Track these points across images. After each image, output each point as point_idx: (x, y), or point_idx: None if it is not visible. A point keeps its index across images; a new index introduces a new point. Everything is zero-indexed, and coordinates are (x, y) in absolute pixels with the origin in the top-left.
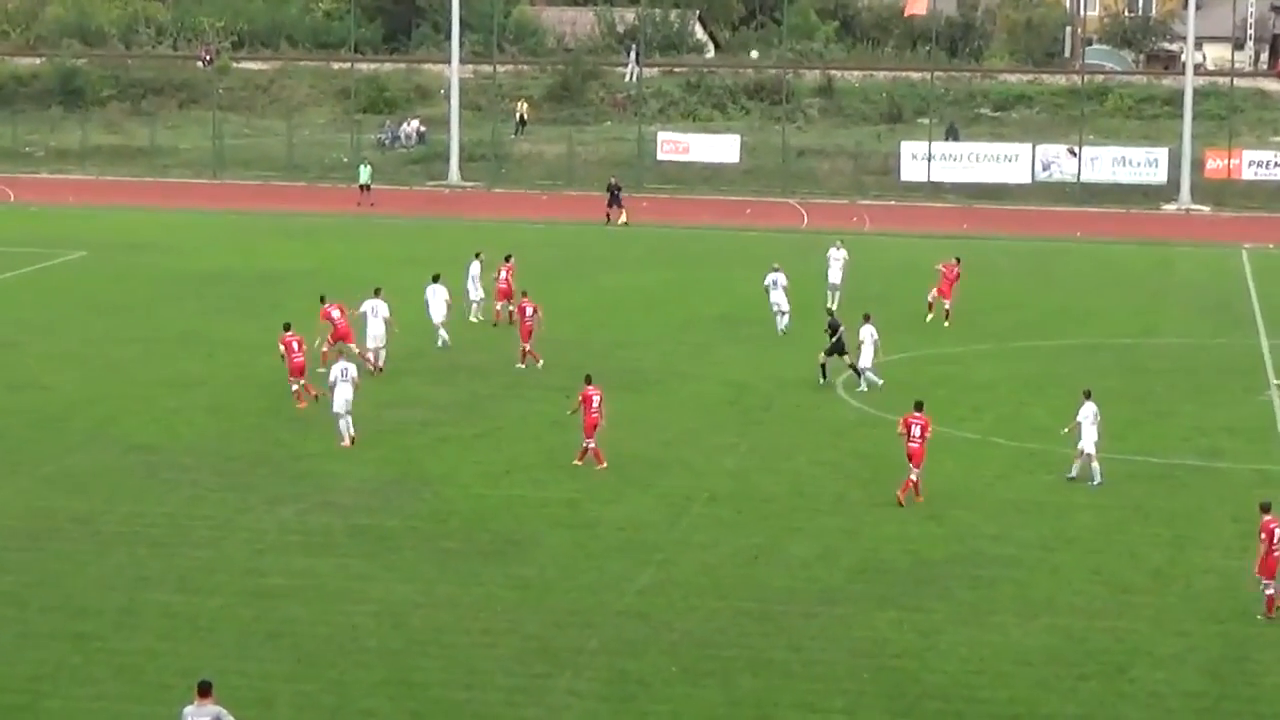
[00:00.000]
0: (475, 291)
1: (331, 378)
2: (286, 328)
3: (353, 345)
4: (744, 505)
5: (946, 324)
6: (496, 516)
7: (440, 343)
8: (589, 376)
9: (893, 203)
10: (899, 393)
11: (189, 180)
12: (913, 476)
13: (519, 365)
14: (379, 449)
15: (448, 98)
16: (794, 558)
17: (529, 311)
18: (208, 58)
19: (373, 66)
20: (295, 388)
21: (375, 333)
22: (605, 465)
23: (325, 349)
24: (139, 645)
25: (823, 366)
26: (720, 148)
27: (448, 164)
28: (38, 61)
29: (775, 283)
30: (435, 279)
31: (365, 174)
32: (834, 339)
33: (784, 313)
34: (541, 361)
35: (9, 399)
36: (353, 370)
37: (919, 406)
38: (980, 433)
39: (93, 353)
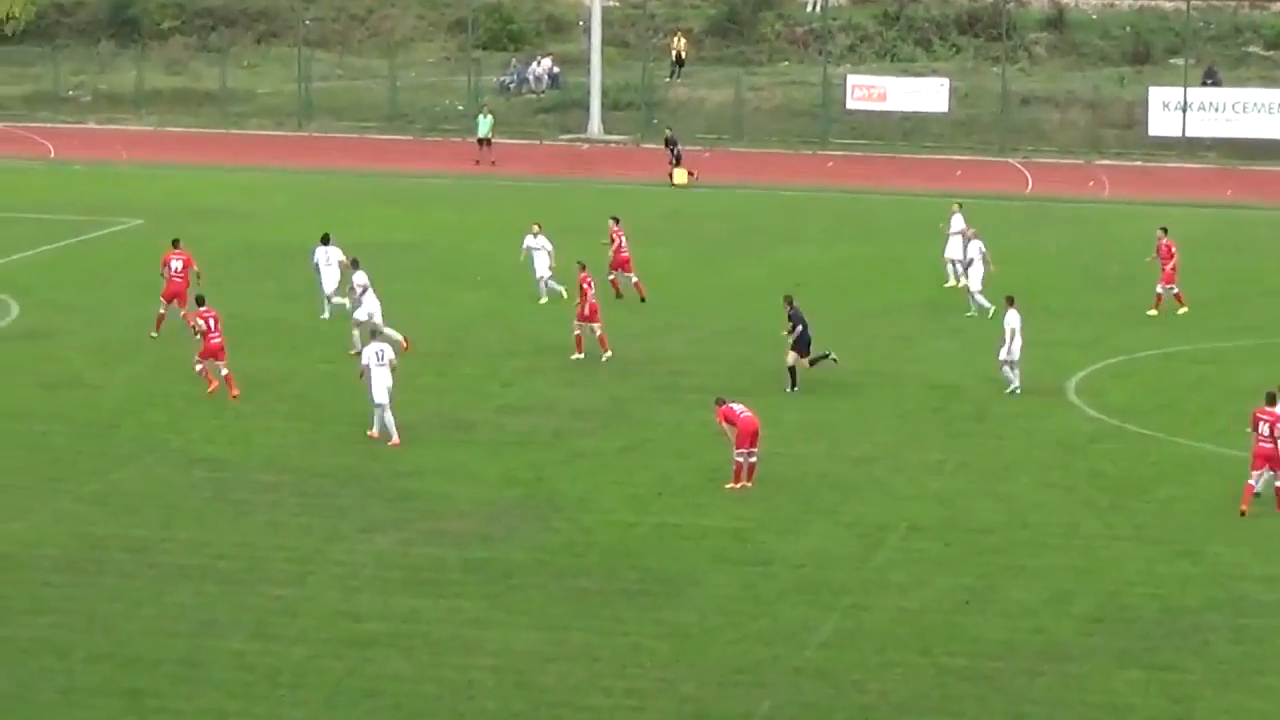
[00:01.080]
0: (545, 268)
1: (365, 361)
2: (200, 302)
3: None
4: (953, 537)
5: (1182, 310)
6: (645, 550)
7: (327, 314)
8: (720, 398)
9: (1138, 163)
10: (1145, 396)
11: (268, 132)
12: (1251, 481)
13: (577, 355)
14: (500, 464)
15: (587, 31)
16: (1014, 603)
17: (590, 289)
18: None
19: None
20: (200, 368)
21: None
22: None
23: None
24: (205, 704)
25: (791, 370)
26: (924, 94)
27: (587, 113)
28: None
29: (981, 253)
30: (325, 240)
31: (485, 125)
32: (796, 333)
33: (978, 291)
34: (610, 353)
35: (46, 400)
36: (389, 352)
37: (1271, 400)
38: (1246, 450)
39: (148, 344)
